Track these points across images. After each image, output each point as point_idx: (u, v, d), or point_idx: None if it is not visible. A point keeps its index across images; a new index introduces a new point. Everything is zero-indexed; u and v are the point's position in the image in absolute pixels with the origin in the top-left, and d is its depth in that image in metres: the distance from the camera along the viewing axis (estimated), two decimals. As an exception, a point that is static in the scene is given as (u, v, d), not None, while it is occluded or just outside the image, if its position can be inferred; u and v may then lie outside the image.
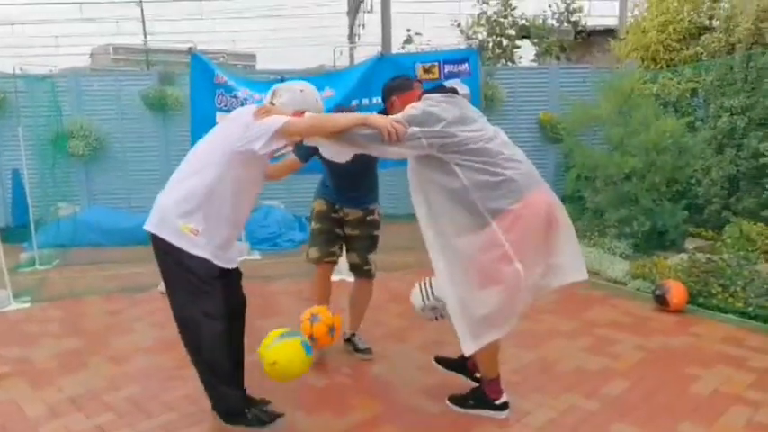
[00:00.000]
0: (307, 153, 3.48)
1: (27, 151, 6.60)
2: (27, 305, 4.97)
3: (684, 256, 5.34)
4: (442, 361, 3.33)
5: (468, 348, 2.74)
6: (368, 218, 3.77)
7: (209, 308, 2.64)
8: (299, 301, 5.08)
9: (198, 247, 2.58)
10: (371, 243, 3.80)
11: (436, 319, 3.09)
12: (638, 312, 4.52)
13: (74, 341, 4.14)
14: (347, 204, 3.74)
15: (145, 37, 25.40)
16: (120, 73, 14.39)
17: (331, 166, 3.65)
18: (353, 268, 3.87)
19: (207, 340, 2.69)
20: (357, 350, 3.88)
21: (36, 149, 7.17)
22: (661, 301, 4.49)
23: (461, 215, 2.69)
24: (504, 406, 2.97)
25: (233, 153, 2.58)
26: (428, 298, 3.06)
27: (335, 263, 3.83)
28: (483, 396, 3.00)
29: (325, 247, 3.73)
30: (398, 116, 2.65)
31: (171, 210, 2.60)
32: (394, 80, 3.09)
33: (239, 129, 2.61)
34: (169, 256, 2.63)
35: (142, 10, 26.22)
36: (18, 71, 6.85)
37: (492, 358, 2.96)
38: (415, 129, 2.60)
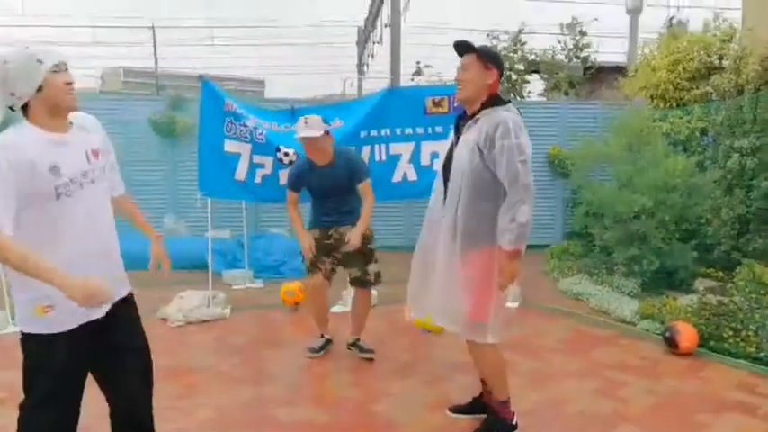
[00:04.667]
0: (295, 182, 4.20)
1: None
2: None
3: (694, 297, 5.25)
4: (457, 409, 3.35)
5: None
6: (367, 233, 4.10)
7: None
8: (295, 330, 5.01)
9: None
10: (369, 256, 4.17)
11: None
12: (647, 354, 4.42)
13: (71, 367, 4.06)
14: (341, 223, 4.11)
15: (156, 62, 25.76)
16: (130, 97, 14.52)
17: (319, 192, 4.16)
18: (355, 282, 4.26)
19: None
20: (362, 351, 4.28)
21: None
22: (671, 344, 4.39)
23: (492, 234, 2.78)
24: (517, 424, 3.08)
25: None
26: None
27: (328, 279, 4.21)
28: (501, 421, 3.03)
29: (319, 263, 4.12)
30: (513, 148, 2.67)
31: None
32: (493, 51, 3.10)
33: None
34: None
35: (154, 35, 26.69)
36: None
37: (504, 377, 3.03)
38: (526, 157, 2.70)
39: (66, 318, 2.16)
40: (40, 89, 2.05)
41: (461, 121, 2.94)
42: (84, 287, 1.94)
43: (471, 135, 2.78)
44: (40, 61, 2.05)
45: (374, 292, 5.62)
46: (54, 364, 2.20)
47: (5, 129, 2.10)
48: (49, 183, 2.06)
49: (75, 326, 2.19)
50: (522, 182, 2.65)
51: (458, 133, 2.92)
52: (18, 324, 2.22)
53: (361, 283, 4.24)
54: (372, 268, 4.22)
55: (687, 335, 4.35)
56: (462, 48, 2.87)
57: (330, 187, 4.08)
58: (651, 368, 4.14)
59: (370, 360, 4.24)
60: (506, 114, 2.74)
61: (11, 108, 2.12)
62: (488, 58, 2.86)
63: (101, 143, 2.37)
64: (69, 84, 2.12)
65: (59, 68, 2.10)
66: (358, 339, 4.36)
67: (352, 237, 4.00)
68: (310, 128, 3.96)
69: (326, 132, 4.00)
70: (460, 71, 2.86)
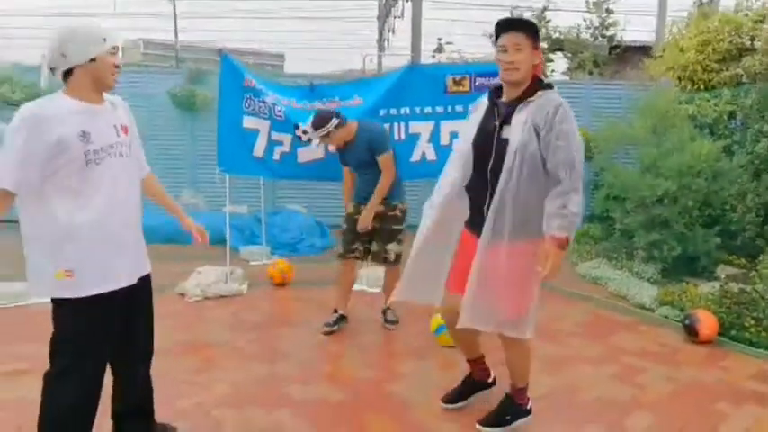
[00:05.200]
0: (339, 158, 4.59)
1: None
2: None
3: (716, 284, 5.17)
4: (454, 397, 3.26)
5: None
6: (389, 213, 4.34)
7: None
8: (312, 308, 5.02)
9: None
10: (390, 235, 4.37)
11: None
12: (666, 341, 4.37)
13: (91, 339, 4.11)
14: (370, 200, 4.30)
15: (176, 34, 25.68)
16: (148, 69, 14.49)
17: (351, 167, 4.50)
18: (374, 256, 4.47)
19: None
20: (385, 321, 4.58)
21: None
22: (690, 332, 4.33)
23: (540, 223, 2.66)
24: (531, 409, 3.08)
25: None
26: None
27: (357, 258, 4.49)
28: (517, 407, 3.02)
29: (347, 245, 4.44)
30: (571, 133, 2.57)
31: None
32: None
33: None
34: None
35: (174, 6, 26.56)
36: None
37: (529, 365, 3.01)
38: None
39: (92, 281, 2.26)
40: (93, 60, 2.21)
41: (497, 100, 2.75)
42: None
43: (524, 116, 2.60)
44: (104, 39, 2.24)
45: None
46: (81, 329, 2.29)
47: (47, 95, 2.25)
48: (79, 148, 2.18)
49: (104, 291, 2.29)
50: (577, 169, 2.55)
51: (497, 114, 2.71)
52: (46, 293, 2.30)
53: (380, 259, 4.43)
54: (392, 247, 4.38)
55: (707, 323, 4.29)
56: (514, 25, 2.64)
57: (355, 163, 4.41)
58: (670, 355, 4.09)
59: (390, 330, 4.51)
60: (560, 98, 2.62)
61: (52, 70, 2.24)
62: (538, 37, 2.70)
63: (127, 119, 2.49)
64: (117, 67, 2.31)
65: (115, 51, 2.30)
66: (387, 308, 4.61)
67: (361, 217, 4.26)
68: (311, 135, 4.36)
69: (332, 128, 4.24)
70: (512, 51, 2.59)
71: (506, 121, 2.65)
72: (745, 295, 4.60)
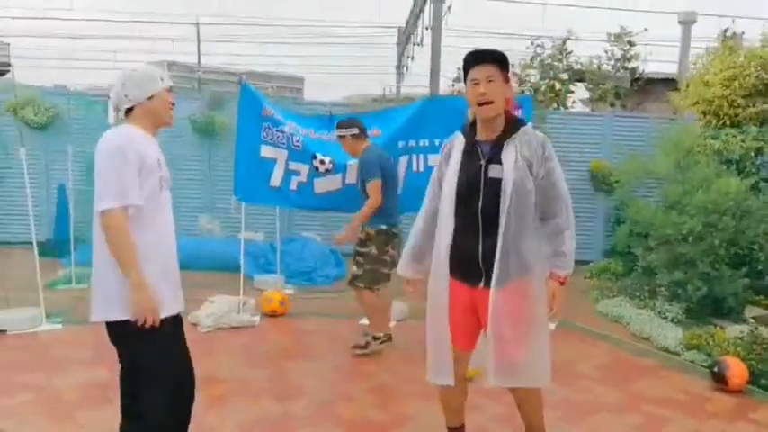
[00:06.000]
0: None
1: (74, 167, 6.67)
2: (59, 326, 4.92)
3: (744, 328, 4.96)
4: None
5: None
6: (358, 236, 4.51)
7: None
8: (324, 341, 4.92)
9: None
10: (355, 256, 4.53)
11: None
12: (692, 389, 4.18)
13: (101, 371, 4.00)
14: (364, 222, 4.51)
15: (199, 59, 26.09)
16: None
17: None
18: None
19: None
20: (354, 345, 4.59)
21: (84, 167, 7.21)
22: (718, 379, 4.14)
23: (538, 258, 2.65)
24: None
25: None
26: None
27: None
28: None
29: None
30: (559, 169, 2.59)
31: None
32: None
33: None
34: None
35: (198, 31, 27.06)
36: (73, 90, 6.96)
37: (543, 417, 2.90)
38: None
39: (167, 302, 2.40)
40: (150, 98, 2.43)
41: (475, 139, 2.60)
42: (148, 295, 2.24)
43: (512, 154, 2.49)
44: (161, 79, 2.48)
45: (403, 305, 5.49)
46: (170, 349, 2.48)
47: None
48: (156, 173, 2.39)
49: (175, 312, 2.50)
50: (570, 206, 2.60)
51: (481, 153, 2.57)
52: (123, 314, 2.33)
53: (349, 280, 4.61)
54: (352, 268, 4.53)
55: (737, 371, 4.10)
56: (485, 57, 2.50)
57: (358, 183, 4.59)
58: (697, 406, 3.90)
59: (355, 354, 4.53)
60: (540, 133, 2.62)
61: (116, 110, 2.48)
62: (508, 69, 2.56)
63: None
64: (173, 104, 2.54)
65: (170, 90, 2.54)
66: (366, 334, 4.65)
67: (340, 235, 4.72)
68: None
69: (349, 136, 4.58)
70: (484, 83, 2.46)
71: (492, 159, 2.53)
72: (776, 342, 4.41)
